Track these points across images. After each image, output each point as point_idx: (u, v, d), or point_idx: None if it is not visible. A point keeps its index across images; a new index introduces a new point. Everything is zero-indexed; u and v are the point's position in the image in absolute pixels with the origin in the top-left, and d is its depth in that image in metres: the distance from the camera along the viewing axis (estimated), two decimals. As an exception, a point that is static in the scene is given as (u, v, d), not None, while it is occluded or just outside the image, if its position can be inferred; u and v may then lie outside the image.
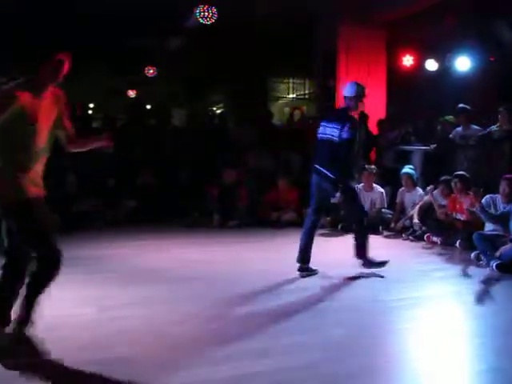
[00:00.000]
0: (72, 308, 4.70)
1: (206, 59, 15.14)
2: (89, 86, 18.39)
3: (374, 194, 9.10)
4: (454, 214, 7.89)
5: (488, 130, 8.66)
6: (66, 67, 3.87)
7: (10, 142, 3.63)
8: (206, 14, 10.56)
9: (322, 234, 8.71)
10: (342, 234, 8.69)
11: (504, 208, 6.84)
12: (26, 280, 3.73)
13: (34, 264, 3.69)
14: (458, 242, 7.49)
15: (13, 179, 3.62)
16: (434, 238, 7.87)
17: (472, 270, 6.41)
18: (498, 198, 7.14)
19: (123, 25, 12.09)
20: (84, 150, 4.15)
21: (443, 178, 8.20)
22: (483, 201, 7.25)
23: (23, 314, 3.70)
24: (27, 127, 3.63)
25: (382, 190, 9.15)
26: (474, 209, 6.93)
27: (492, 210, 7.10)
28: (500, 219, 6.76)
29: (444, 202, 8.09)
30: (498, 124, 8.50)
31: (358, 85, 6.05)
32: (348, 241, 8.25)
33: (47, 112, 3.76)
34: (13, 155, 3.64)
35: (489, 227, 7.02)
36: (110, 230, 8.58)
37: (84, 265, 6.33)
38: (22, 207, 3.63)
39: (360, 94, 5.98)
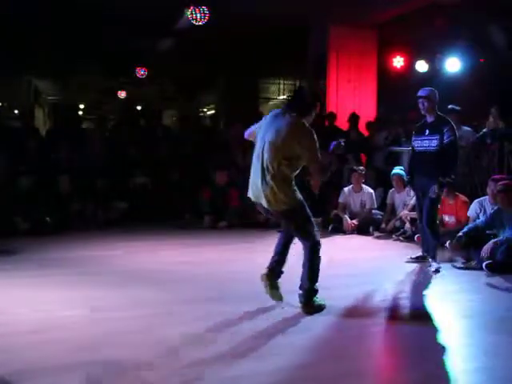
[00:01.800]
0: (62, 309, 4.69)
1: (197, 60, 15.14)
2: (80, 86, 18.37)
3: (363, 195, 9.13)
4: (442, 216, 7.91)
5: (482, 132, 8.76)
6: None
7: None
8: (197, 15, 10.56)
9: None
10: (332, 235, 8.72)
11: (492, 209, 6.87)
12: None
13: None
14: (447, 243, 7.51)
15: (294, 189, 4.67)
16: None
17: (461, 269, 6.45)
18: (486, 199, 7.18)
19: (114, 26, 12.07)
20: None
21: None
22: (471, 209, 7.29)
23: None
24: None
25: (371, 190, 9.18)
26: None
27: (481, 214, 7.13)
28: (493, 222, 6.71)
29: None
30: (488, 126, 8.59)
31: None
32: (339, 242, 8.33)
33: None
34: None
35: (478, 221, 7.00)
36: (101, 231, 8.57)
37: (75, 266, 6.33)
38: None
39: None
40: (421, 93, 6.43)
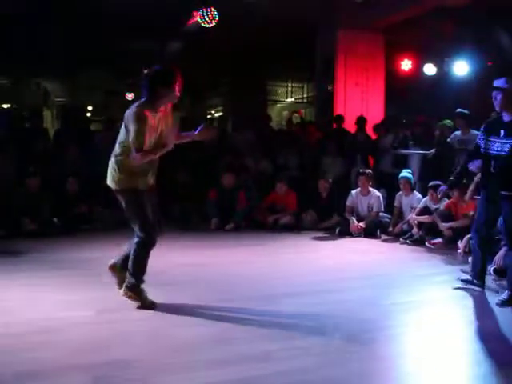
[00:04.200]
0: (70, 310, 4.70)
1: (205, 62, 15.18)
2: (88, 88, 18.45)
3: (370, 198, 9.09)
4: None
5: None
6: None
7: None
8: (207, 16, 10.57)
9: (320, 238, 8.74)
10: (339, 238, 8.70)
11: None
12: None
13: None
14: (459, 244, 7.45)
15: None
16: (435, 240, 7.86)
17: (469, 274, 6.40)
18: None
19: (123, 27, 12.10)
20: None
21: (431, 183, 8.21)
22: None
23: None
24: None
25: (378, 193, 9.15)
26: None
27: None
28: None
29: (436, 207, 8.12)
30: None
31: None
32: (346, 245, 8.32)
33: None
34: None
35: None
36: (109, 233, 8.56)
37: (83, 267, 6.34)
38: None
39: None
40: (495, 83, 5.38)
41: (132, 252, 4.82)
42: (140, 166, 4.67)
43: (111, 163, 4.81)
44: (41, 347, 3.86)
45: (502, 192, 5.25)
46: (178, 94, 4.76)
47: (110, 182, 4.83)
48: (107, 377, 3.42)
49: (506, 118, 5.32)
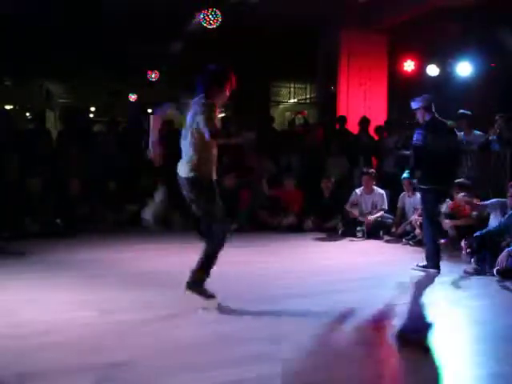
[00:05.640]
0: (72, 311, 4.69)
1: (207, 63, 15.16)
2: (91, 89, 18.44)
3: (374, 197, 9.11)
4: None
5: (486, 137, 8.74)
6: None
7: None
8: (210, 17, 10.56)
9: (323, 239, 8.73)
10: (341, 239, 8.69)
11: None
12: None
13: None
14: (462, 243, 7.44)
15: None
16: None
17: (472, 275, 6.39)
18: (508, 202, 7.08)
19: (124, 27, 12.10)
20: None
21: None
22: (489, 202, 7.24)
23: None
24: None
25: (382, 191, 9.16)
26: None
27: (499, 214, 7.04)
28: (507, 228, 6.64)
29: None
30: (495, 132, 8.57)
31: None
32: (348, 245, 8.31)
33: None
34: None
35: (492, 224, 6.94)
36: (111, 234, 8.57)
37: (85, 268, 6.33)
38: None
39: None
40: (412, 105, 6.97)
41: (208, 249, 5.02)
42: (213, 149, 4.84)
43: (188, 155, 4.88)
44: (43, 348, 3.85)
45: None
46: (228, 94, 4.95)
47: (186, 172, 4.89)
48: (109, 378, 3.41)
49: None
